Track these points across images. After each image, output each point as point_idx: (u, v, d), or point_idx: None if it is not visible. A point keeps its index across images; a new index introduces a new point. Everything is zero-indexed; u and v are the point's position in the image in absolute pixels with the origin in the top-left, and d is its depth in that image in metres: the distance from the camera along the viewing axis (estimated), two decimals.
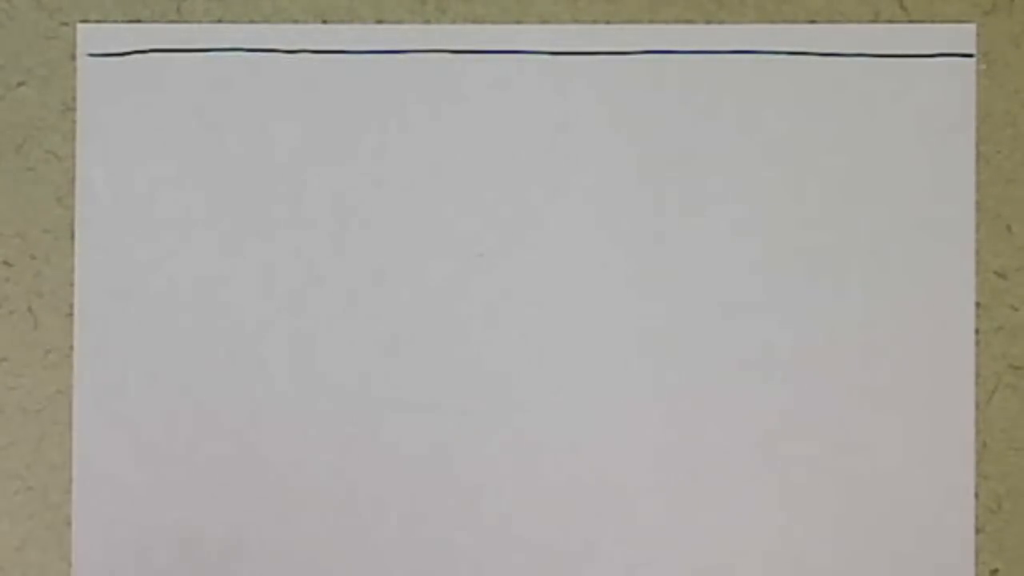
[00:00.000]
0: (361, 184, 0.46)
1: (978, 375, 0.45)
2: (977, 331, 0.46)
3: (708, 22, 0.46)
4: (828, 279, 0.46)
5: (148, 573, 0.46)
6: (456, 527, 0.46)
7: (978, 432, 0.45)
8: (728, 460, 0.46)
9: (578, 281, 0.46)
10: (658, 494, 0.46)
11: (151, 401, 0.46)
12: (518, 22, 0.46)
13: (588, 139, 0.46)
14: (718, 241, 0.46)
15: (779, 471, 0.46)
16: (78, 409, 0.46)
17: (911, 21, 0.46)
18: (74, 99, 0.47)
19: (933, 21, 0.46)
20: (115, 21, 0.47)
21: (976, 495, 0.45)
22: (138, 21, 0.47)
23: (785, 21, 0.46)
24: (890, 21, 0.46)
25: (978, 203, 0.46)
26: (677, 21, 0.46)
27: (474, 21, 0.46)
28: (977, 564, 0.45)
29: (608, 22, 0.46)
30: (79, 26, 0.47)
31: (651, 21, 0.46)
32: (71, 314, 0.47)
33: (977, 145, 0.46)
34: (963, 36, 0.46)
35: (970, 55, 0.46)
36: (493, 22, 0.46)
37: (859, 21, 0.46)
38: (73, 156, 0.47)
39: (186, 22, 0.47)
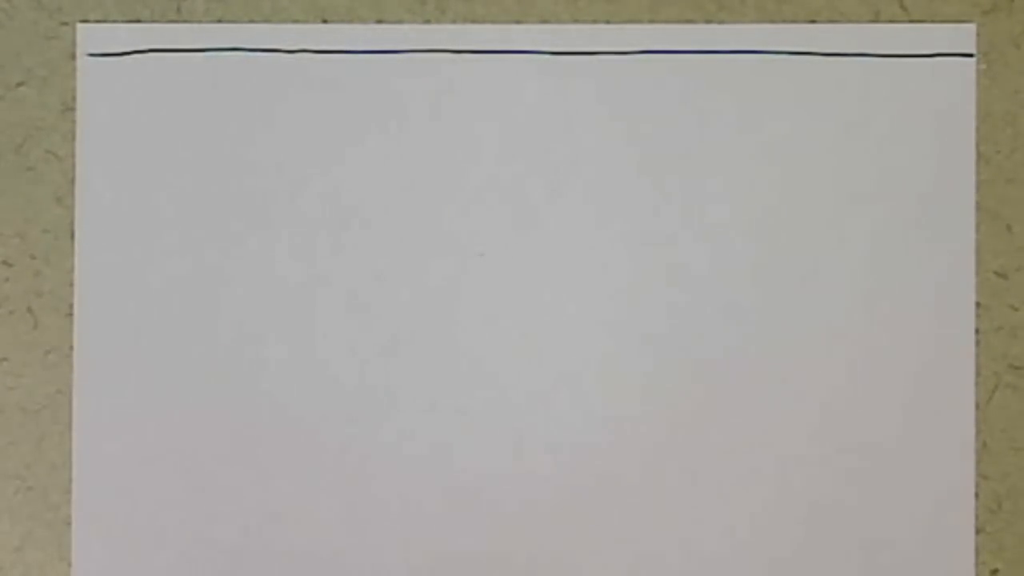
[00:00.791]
0: (361, 184, 0.46)
1: (978, 375, 0.45)
2: (977, 331, 0.46)
3: (708, 22, 0.46)
4: (827, 279, 0.46)
5: (148, 573, 0.46)
6: (456, 527, 0.46)
7: (978, 432, 0.45)
8: (728, 460, 0.46)
9: (578, 281, 0.46)
10: (657, 494, 0.46)
11: (151, 401, 0.46)
12: (518, 22, 0.46)
13: (588, 139, 0.46)
14: (718, 241, 0.46)
15: (779, 471, 0.46)
16: (78, 409, 0.46)
17: (911, 21, 0.46)
18: (74, 99, 0.47)
19: (933, 21, 0.46)
20: (115, 21, 0.47)
21: (976, 495, 0.45)
22: (138, 21, 0.47)
23: (785, 21, 0.46)
24: (890, 21, 0.46)
25: (978, 203, 0.46)
26: (677, 21, 0.46)
27: (474, 21, 0.46)
28: (977, 564, 0.45)
29: (608, 22, 0.46)
30: (79, 26, 0.47)
31: (651, 21, 0.46)
32: (71, 314, 0.47)
33: (977, 145, 0.46)
34: (963, 36, 0.46)
35: (970, 55, 0.46)
36: (493, 22, 0.46)
37: (859, 21, 0.46)
38: (73, 156, 0.47)
39: (186, 22, 0.47)
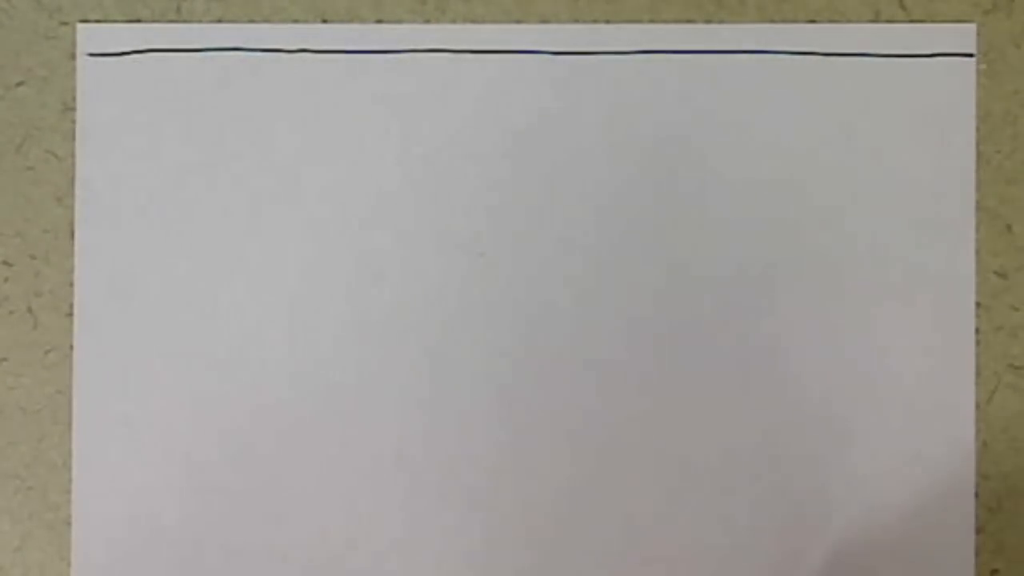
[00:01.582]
0: (361, 184, 0.46)
1: (978, 375, 0.45)
2: (977, 331, 0.46)
3: (708, 22, 0.46)
4: (828, 279, 0.46)
5: (148, 573, 0.46)
6: (456, 527, 0.46)
7: (978, 432, 0.45)
8: (727, 460, 0.46)
9: (578, 281, 0.46)
10: (657, 494, 0.46)
11: (151, 401, 0.46)
12: (518, 22, 0.46)
13: (588, 139, 0.46)
14: (718, 241, 0.46)
15: (779, 471, 0.46)
16: (78, 409, 0.46)
17: (911, 21, 0.46)
18: (74, 99, 0.47)
19: (933, 21, 0.46)
20: (115, 21, 0.47)
21: (976, 495, 0.45)
22: (138, 21, 0.47)
23: (785, 21, 0.46)
24: (890, 21, 0.46)
25: (978, 203, 0.46)
26: (677, 21, 0.46)
27: (474, 21, 0.46)
28: (977, 564, 0.45)
29: (608, 22, 0.46)
30: (79, 26, 0.47)
31: (651, 21, 0.46)
32: (71, 314, 0.47)
33: (977, 145, 0.46)
34: (963, 36, 0.46)
35: (970, 55, 0.46)
36: (493, 22, 0.46)
37: (859, 21, 0.46)
38: (73, 156, 0.47)
39: (186, 22, 0.47)
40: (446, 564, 0.46)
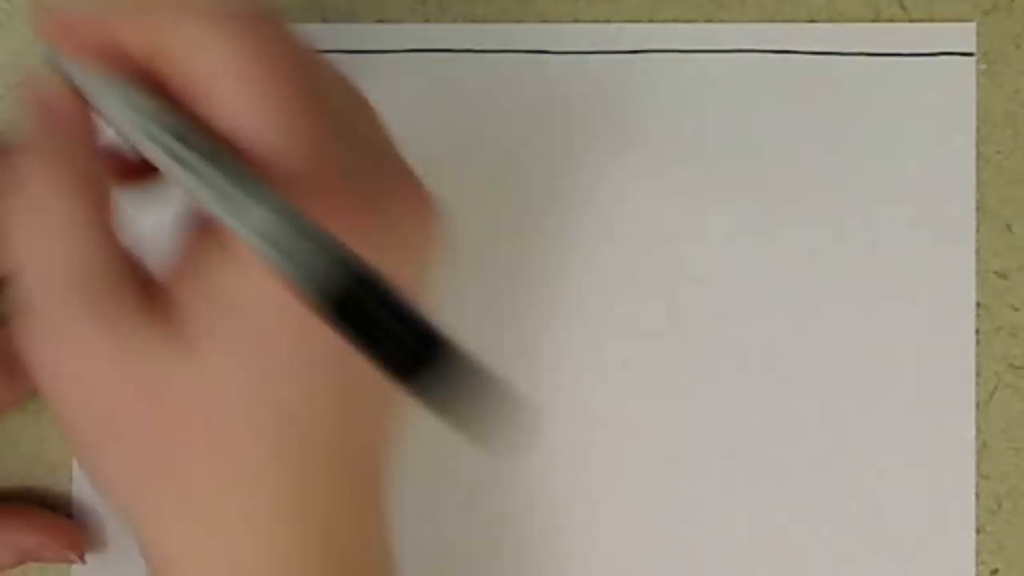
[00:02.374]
0: None
1: (978, 375, 0.45)
2: (977, 331, 0.46)
3: (708, 22, 0.46)
4: (828, 279, 0.46)
5: (148, 573, 0.46)
6: (456, 527, 0.46)
7: (978, 432, 0.45)
8: (728, 460, 0.46)
9: (578, 281, 0.46)
10: (658, 494, 0.46)
11: None
12: (518, 22, 0.46)
13: (588, 139, 0.46)
14: (718, 241, 0.46)
15: (778, 471, 0.46)
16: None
17: (911, 20, 0.46)
18: None
19: (933, 21, 0.46)
20: None
21: (976, 495, 0.45)
22: None
23: (785, 21, 0.46)
24: (890, 21, 0.46)
25: (978, 203, 0.46)
26: (677, 21, 0.46)
27: (474, 21, 0.46)
28: (977, 564, 0.45)
29: (608, 22, 0.46)
30: None
31: (651, 21, 0.46)
32: None
33: (977, 145, 0.46)
34: (963, 36, 0.46)
35: (970, 55, 0.46)
36: (493, 22, 0.46)
37: (859, 21, 0.46)
38: None
39: None
40: (446, 564, 0.46)
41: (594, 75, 0.46)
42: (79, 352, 0.34)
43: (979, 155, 0.46)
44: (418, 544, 0.46)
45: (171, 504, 0.35)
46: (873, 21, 0.46)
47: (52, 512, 0.45)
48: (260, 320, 0.34)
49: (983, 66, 0.46)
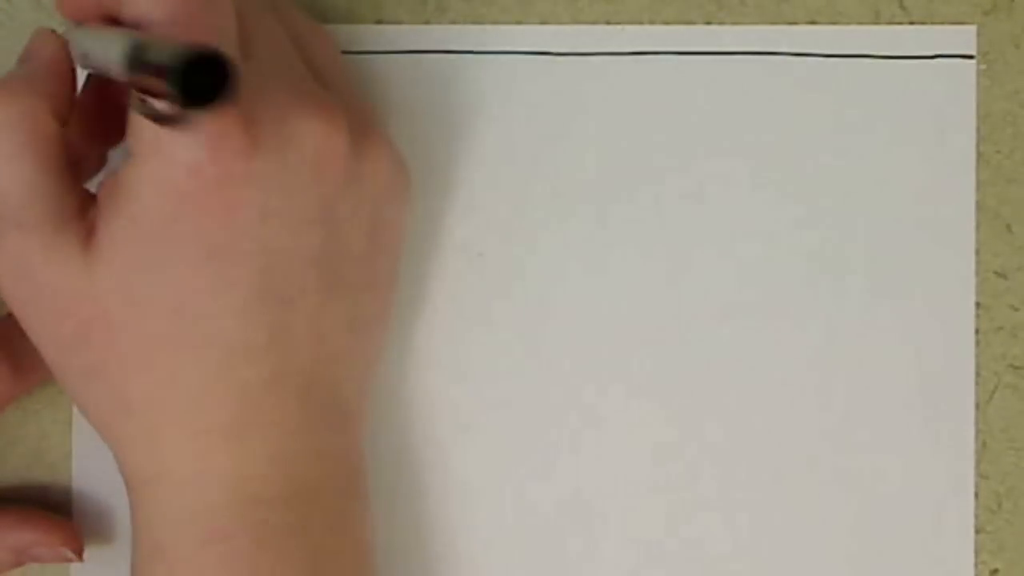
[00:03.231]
0: None
1: (978, 375, 0.45)
2: (977, 331, 0.46)
3: (708, 23, 0.46)
4: (828, 279, 0.46)
5: None
6: (456, 527, 0.46)
7: (978, 432, 0.45)
8: (728, 460, 0.46)
9: (577, 281, 0.46)
10: (658, 494, 0.46)
11: None
12: (518, 22, 0.46)
13: (588, 139, 0.46)
14: (718, 241, 0.46)
15: (778, 471, 0.45)
16: (78, 409, 0.46)
17: (911, 22, 0.46)
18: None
19: (933, 22, 0.46)
20: None
21: (976, 495, 0.45)
22: None
23: (785, 22, 0.46)
24: (890, 22, 0.46)
25: (978, 203, 0.46)
26: (677, 21, 0.46)
27: (474, 21, 0.46)
28: (977, 564, 0.45)
29: (608, 22, 0.46)
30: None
31: (651, 21, 0.46)
32: None
33: (977, 145, 0.46)
34: (963, 37, 0.46)
35: (970, 56, 0.46)
36: (493, 22, 0.46)
37: (859, 22, 0.46)
38: None
39: None
40: (446, 564, 0.46)
41: (594, 77, 0.46)
42: (24, 272, 0.37)
43: (979, 155, 0.46)
44: (418, 544, 0.46)
45: (107, 405, 0.38)
46: (873, 23, 0.46)
47: (50, 511, 0.45)
48: (157, 204, 0.35)
49: (983, 66, 0.46)
